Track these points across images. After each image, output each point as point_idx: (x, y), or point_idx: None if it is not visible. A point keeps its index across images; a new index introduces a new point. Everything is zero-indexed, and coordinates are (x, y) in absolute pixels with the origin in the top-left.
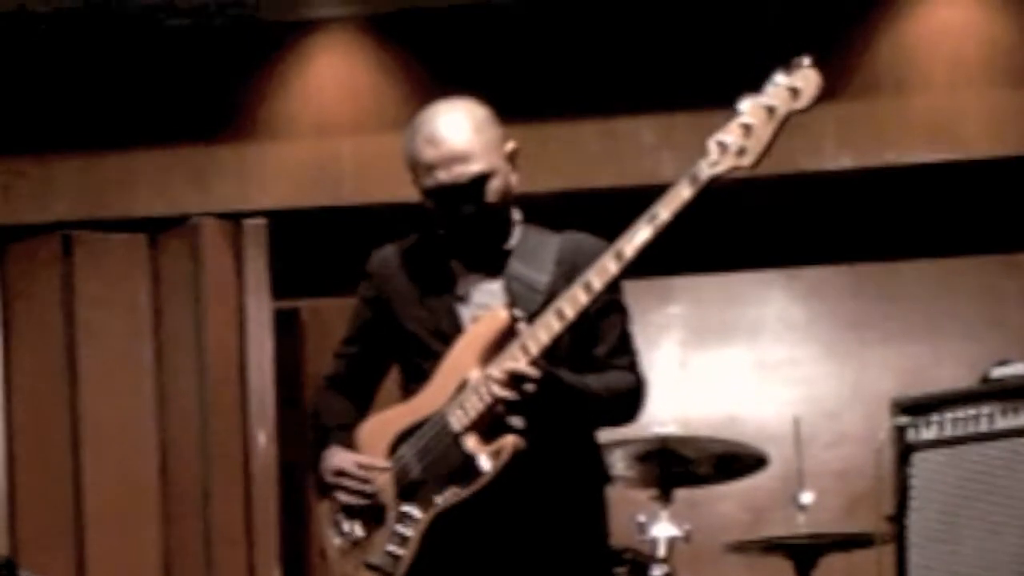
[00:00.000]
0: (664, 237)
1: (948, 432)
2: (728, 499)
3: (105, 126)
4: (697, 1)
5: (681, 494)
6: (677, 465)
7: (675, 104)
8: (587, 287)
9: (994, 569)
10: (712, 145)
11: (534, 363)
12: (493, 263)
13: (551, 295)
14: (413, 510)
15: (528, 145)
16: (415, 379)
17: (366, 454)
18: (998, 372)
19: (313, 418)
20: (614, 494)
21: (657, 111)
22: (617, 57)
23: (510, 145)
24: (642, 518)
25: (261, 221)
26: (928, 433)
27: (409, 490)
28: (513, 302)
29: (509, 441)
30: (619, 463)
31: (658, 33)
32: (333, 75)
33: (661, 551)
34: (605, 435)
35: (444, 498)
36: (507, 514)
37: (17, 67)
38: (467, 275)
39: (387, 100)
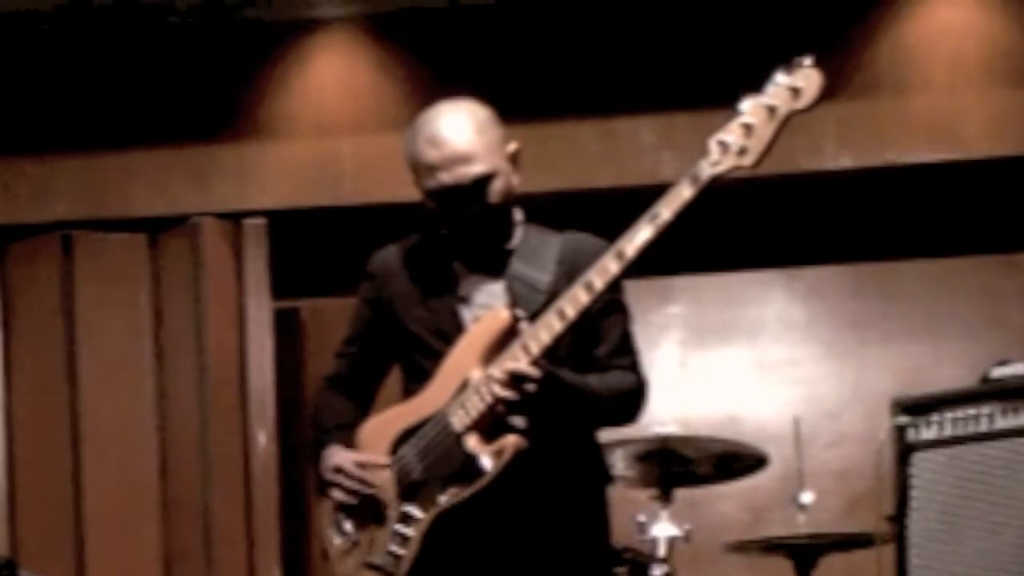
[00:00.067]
0: (664, 237)
1: (948, 432)
2: (728, 499)
3: (105, 126)
4: (697, 1)
5: (681, 494)
6: (677, 465)
7: (675, 104)
8: (588, 287)
9: (994, 569)
10: (713, 145)
11: (535, 363)
12: (495, 263)
13: (552, 295)
14: (414, 510)
15: (528, 145)
16: (416, 379)
17: (367, 453)
18: (998, 372)
19: (314, 418)
20: (614, 494)
21: (657, 111)
22: (617, 57)
23: (512, 146)
24: (642, 518)
25: (261, 221)
26: (928, 433)
27: (410, 490)
28: (515, 302)
29: (510, 441)
30: (619, 463)
31: (658, 33)
32: (333, 75)
33: (661, 551)
34: (605, 435)
35: (445, 498)
36: (508, 514)
37: (17, 67)
38: (469, 276)
39: (387, 100)
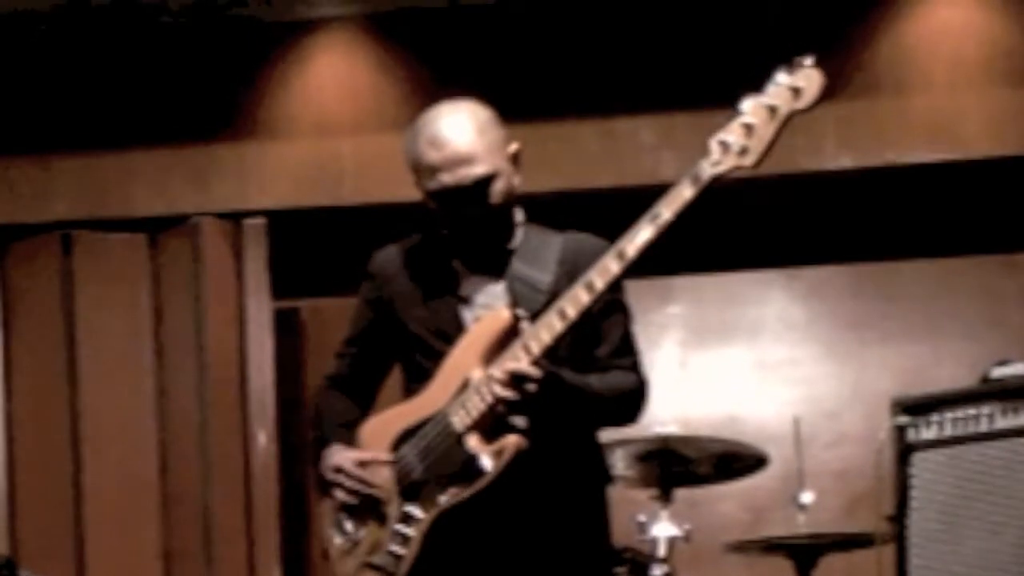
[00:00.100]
0: (664, 237)
1: (948, 432)
2: (728, 499)
3: (105, 126)
4: (697, 1)
5: (681, 494)
6: (677, 465)
7: (675, 104)
8: (589, 287)
9: (994, 569)
10: (714, 145)
11: (536, 363)
12: (496, 264)
13: (553, 295)
14: (415, 510)
15: (528, 145)
16: (417, 379)
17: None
18: (998, 372)
19: (315, 418)
20: (614, 494)
21: (657, 111)
22: (617, 57)
23: (513, 146)
24: (642, 518)
25: (261, 221)
26: (928, 433)
27: (411, 489)
28: (515, 302)
29: (511, 441)
30: (619, 463)
31: (658, 33)
32: (333, 75)
33: (661, 551)
34: (605, 435)
35: (446, 498)
36: (509, 514)
37: (17, 67)
38: (470, 276)
39: (387, 100)
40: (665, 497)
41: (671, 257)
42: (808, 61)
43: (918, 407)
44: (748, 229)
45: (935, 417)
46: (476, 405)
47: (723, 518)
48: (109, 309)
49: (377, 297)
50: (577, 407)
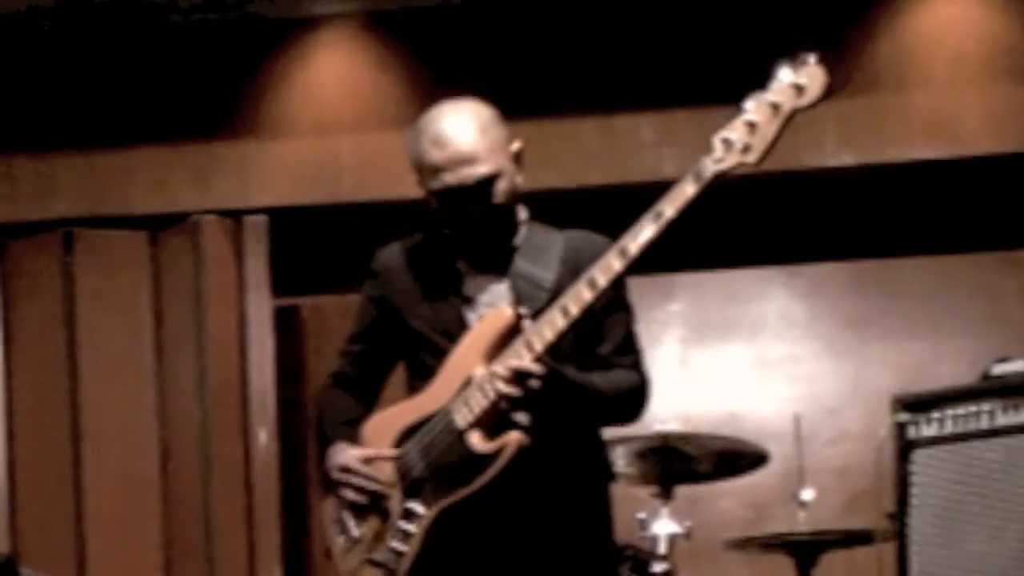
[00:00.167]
0: (665, 234)
1: (949, 429)
2: (729, 496)
3: (106, 123)
4: None
5: (682, 491)
6: (678, 462)
7: (675, 101)
8: (592, 284)
9: (995, 565)
10: (717, 142)
11: (538, 359)
12: (499, 262)
13: (556, 293)
14: (417, 506)
15: (528, 142)
16: (421, 376)
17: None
18: (998, 369)
19: (318, 416)
20: (615, 491)
21: (657, 108)
22: (617, 54)
23: (515, 145)
24: (643, 515)
25: (261, 218)
26: (928, 430)
27: (413, 486)
28: (519, 300)
29: (513, 438)
30: (620, 460)
31: (658, 30)
32: (334, 72)
33: (662, 548)
34: (606, 432)
35: (448, 494)
36: (511, 511)
37: (18, 65)
38: (473, 274)
39: (388, 97)
40: (666, 494)
41: (672, 254)
42: (811, 58)
43: (918, 404)
44: (749, 226)
45: (936, 414)
46: (478, 402)
47: (724, 515)
48: (110, 307)
49: (380, 295)
50: (579, 404)
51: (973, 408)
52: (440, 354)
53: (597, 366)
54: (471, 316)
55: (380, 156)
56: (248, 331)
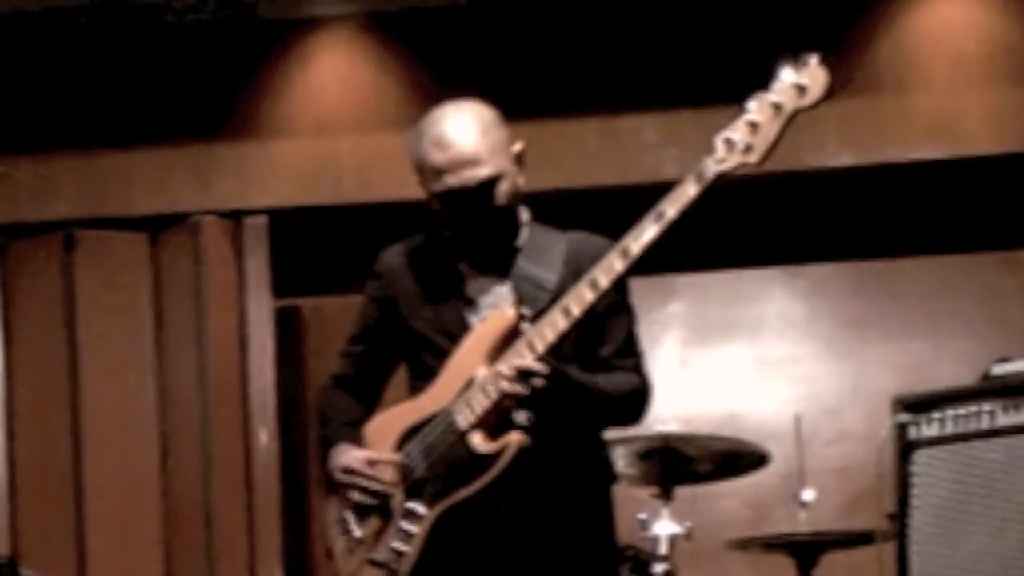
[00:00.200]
0: (666, 235)
1: (949, 429)
2: (729, 496)
3: (106, 124)
4: None
5: (682, 492)
6: (678, 463)
7: (678, 102)
8: (593, 285)
9: (995, 566)
10: (718, 142)
11: (541, 360)
12: (501, 263)
13: (559, 294)
14: (418, 507)
15: (530, 143)
16: (423, 377)
17: (373, 451)
18: (999, 369)
19: (320, 417)
20: (616, 492)
21: (660, 109)
22: (619, 55)
23: (517, 146)
24: (643, 516)
25: (262, 219)
26: (929, 430)
27: (414, 487)
28: (521, 301)
29: (514, 438)
30: (620, 461)
31: (660, 31)
32: (334, 73)
33: (663, 548)
34: (606, 433)
35: (449, 495)
36: (514, 512)
37: (18, 66)
38: (476, 277)
39: (388, 98)
40: (666, 495)
41: (672, 255)
42: (813, 59)
43: (919, 404)
44: (749, 227)
45: (936, 414)
46: (480, 403)
47: (724, 516)
48: (110, 308)
49: (383, 296)
50: (582, 404)
51: (974, 408)
52: (442, 355)
53: (598, 368)
54: (473, 318)
55: (380, 157)
56: (248, 331)
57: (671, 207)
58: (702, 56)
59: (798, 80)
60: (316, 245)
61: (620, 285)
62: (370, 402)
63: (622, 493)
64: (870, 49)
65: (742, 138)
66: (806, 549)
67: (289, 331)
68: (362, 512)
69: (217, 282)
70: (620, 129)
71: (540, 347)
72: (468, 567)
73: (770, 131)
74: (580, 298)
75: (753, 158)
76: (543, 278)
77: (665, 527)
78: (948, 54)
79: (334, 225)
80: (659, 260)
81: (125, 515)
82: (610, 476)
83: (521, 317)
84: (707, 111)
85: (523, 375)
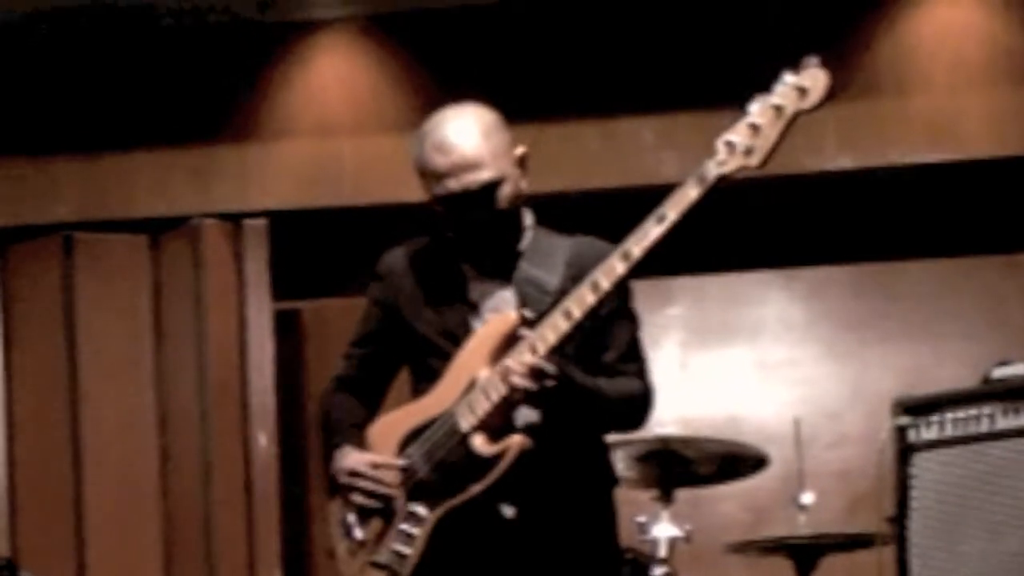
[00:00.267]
0: (666, 237)
1: (949, 432)
2: (729, 499)
3: (106, 127)
4: (698, 1)
5: (682, 494)
6: (678, 465)
7: (676, 104)
8: (595, 287)
9: (995, 570)
10: (720, 145)
11: (547, 359)
12: (504, 266)
13: (561, 297)
14: (420, 509)
15: (529, 145)
16: (425, 380)
17: (376, 454)
18: (999, 372)
19: (323, 419)
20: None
21: (658, 111)
22: (618, 57)
23: (520, 150)
24: (643, 518)
25: (262, 222)
26: (929, 433)
27: (416, 489)
28: (523, 304)
29: (516, 441)
30: (620, 463)
31: (659, 33)
32: (334, 76)
33: (662, 551)
34: (607, 437)
35: (451, 497)
36: (515, 515)
37: (18, 67)
38: (479, 280)
39: (388, 101)
40: (666, 498)
41: (671, 258)
42: (814, 61)
43: (919, 407)
44: (748, 230)
45: (936, 417)
46: (482, 405)
47: (724, 519)
48: (110, 310)
49: (385, 297)
50: (585, 407)
51: (974, 411)
52: (445, 358)
53: (601, 373)
54: (475, 321)
55: (380, 159)
56: (248, 334)
57: (672, 209)
58: (700, 59)
59: (799, 82)
60: (316, 248)
61: (623, 290)
62: (373, 404)
63: (621, 496)
64: (870, 51)
65: (743, 140)
66: (805, 552)
67: (289, 334)
68: (364, 515)
69: (217, 284)
70: (619, 132)
71: (542, 349)
72: (469, 569)
73: (771, 133)
74: (581, 300)
75: (754, 160)
76: (545, 281)
77: (664, 530)
78: (948, 57)
79: (334, 227)
80: (658, 263)
81: (125, 517)
82: (612, 479)
83: (524, 320)
84: (705, 114)
85: (536, 373)
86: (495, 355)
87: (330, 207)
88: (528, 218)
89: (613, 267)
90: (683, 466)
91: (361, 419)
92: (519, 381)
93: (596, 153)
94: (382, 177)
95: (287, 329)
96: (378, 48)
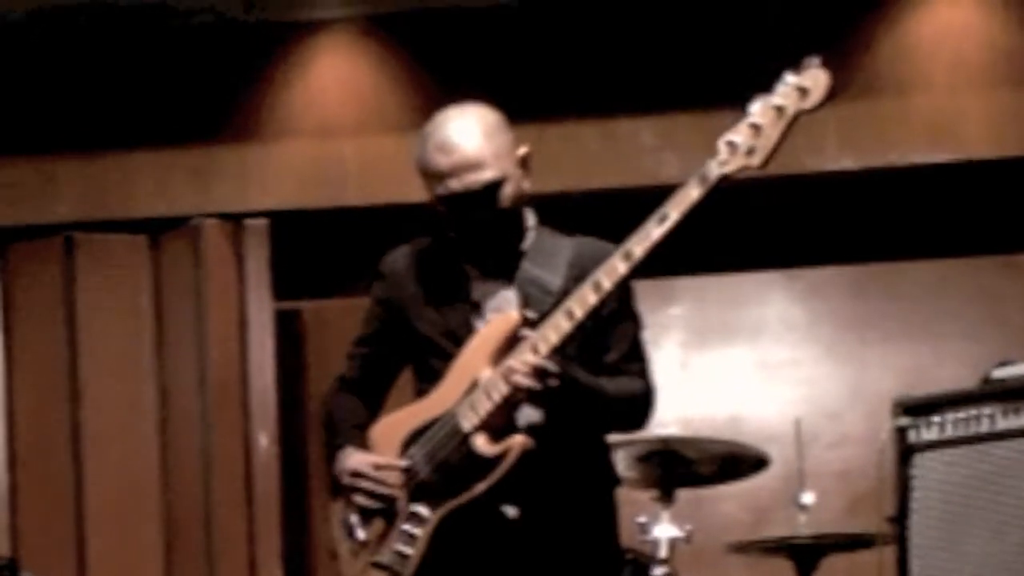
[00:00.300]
0: (668, 237)
1: (949, 433)
2: (729, 500)
3: (106, 127)
4: (698, 2)
5: (683, 495)
6: (679, 466)
7: (676, 105)
8: (596, 287)
9: (996, 570)
10: (721, 145)
11: (550, 359)
12: (506, 266)
13: (563, 297)
14: (422, 509)
15: (529, 145)
16: (428, 380)
17: (378, 454)
18: (999, 373)
19: (326, 420)
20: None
21: (658, 112)
22: (618, 58)
23: (522, 150)
24: (643, 519)
25: (262, 222)
26: (929, 434)
27: (418, 489)
28: (526, 304)
29: (517, 441)
30: (621, 464)
31: (658, 34)
32: (335, 76)
33: (662, 552)
34: (608, 437)
35: (452, 497)
36: (517, 514)
37: (18, 67)
38: (481, 280)
39: (389, 101)
40: (666, 498)
41: (672, 258)
42: (815, 61)
43: (919, 408)
44: (749, 230)
45: (936, 418)
46: (484, 405)
47: (724, 519)
48: (110, 310)
49: (388, 298)
50: (588, 408)
51: (974, 412)
52: (447, 358)
53: (603, 373)
54: (478, 321)
55: (381, 160)
56: (249, 334)
57: (674, 209)
58: (700, 59)
59: (800, 82)
60: (317, 248)
61: (625, 291)
62: (376, 404)
63: (622, 496)
64: (870, 52)
65: (745, 140)
66: (806, 552)
67: (289, 334)
68: (367, 515)
69: (217, 285)
70: (618, 132)
71: (544, 349)
72: (471, 570)
73: (773, 134)
74: (583, 300)
75: (756, 160)
76: (548, 281)
77: (665, 530)
78: (948, 57)
79: (335, 228)
80: (659, 263)
81: (125, 516)
82: (613, 480)
83: (526, 320)
84: (704, 114)
85: (537, 372)
86: (497, 355)
87: (331, 207)
88: (531, 218)
89: (615, 267)
90: (684, 466)
91: (363, 420)
92: (521, 381)
93: (596, 153)
94: (383, 177)
95: (288, 329)
96: (379, 48)
